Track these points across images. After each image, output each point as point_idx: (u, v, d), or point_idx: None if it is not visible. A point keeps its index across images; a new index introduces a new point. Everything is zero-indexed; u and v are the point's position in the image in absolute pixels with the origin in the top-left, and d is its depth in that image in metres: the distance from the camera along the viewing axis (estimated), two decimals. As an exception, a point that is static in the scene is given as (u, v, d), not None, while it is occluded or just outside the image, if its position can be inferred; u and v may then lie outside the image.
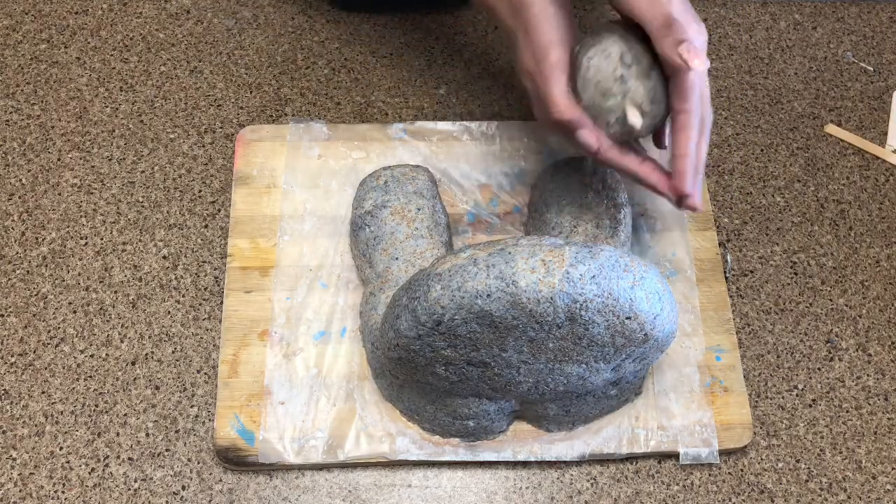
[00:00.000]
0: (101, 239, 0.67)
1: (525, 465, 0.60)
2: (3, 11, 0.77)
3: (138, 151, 0.71)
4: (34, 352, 0.62)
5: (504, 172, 0.69)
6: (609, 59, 0.53)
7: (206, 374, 0.62)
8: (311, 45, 0.77)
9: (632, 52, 0.53)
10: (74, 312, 0.64)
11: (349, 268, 0.65)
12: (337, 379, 0.61)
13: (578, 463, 0.60)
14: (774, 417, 0.62)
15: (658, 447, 0.60)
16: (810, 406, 0.63)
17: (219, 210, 0.68)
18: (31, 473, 0.58)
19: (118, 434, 0.60)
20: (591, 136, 0.54)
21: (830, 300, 0.67)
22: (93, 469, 0.59)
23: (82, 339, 0.63)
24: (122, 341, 0.63)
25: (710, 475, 0.60)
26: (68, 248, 0.66)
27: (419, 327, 0.50)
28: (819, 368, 0.65)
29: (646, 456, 0.60)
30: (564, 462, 0.60)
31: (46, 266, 0.65)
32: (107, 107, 0.73)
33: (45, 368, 0.62)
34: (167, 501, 0.58)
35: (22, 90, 0.73)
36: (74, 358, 0.62)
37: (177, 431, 0.60)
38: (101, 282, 0.65)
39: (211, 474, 0.59)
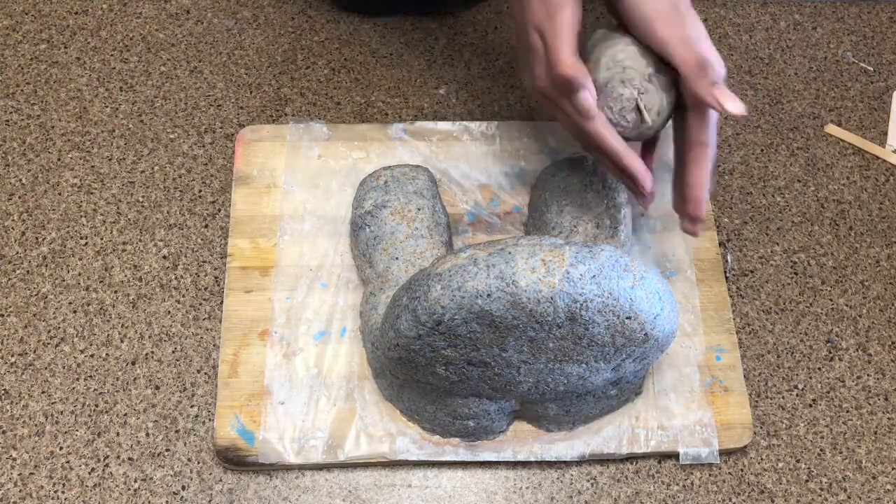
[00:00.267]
0: (101, 239, 0.67)
1: (525, 465, 0.60)
2: (3, 11, 0.77)
3: (138, 151, 0.71)
4: (34, 352, 0.62)
5: (504, 172, 0.69)
6: (645, 56, 0.54)
7: (206, 374, 0.62)
8: (311, 45, 0.77)
9: (658, 65, 0.55)
10: (74, 312, 0.64)
11: (349, 268, 0.65)
12: (337, 379, 0.61)
13: (578, 463, 0.60)
14: (774, 417, 0.62)
15: (658, 447, 0.60)
16: (810, 406, 0.63)
17: (219, 210, 0.68)
18: (31, 473, 0.58)
19: (118, 434, 0.60)
20: (590, 100, 0.53)
21: (830, 300, 0.67)
22: (93, 469, 0.59)
23: (82, 339, 0.63)
24: (122, 341, 0.63)
25: (710, 475, 0.60)
26: (68, 248, 0.66)
27: (419, 327, 0.50)
28: (819, 368, 0.65)
29: (646, 456, 0.60)
30: (564, 462, 0.60)
31: (46, 266, 0.65)
32: (107, 107, 0.73)
33: (45, 368, 0.62)
34: (167, 501, 0.58)
35: (22, 90, 0.73)
36: (74, 358, 0.62)
37: (177, 431, 0.60)
38: (101, 282, 0.65)
39: (211, 474, 0.59)
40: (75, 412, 0.60)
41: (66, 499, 0.58)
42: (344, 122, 0.73)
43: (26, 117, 0.72)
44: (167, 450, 0.59)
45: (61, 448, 0.59)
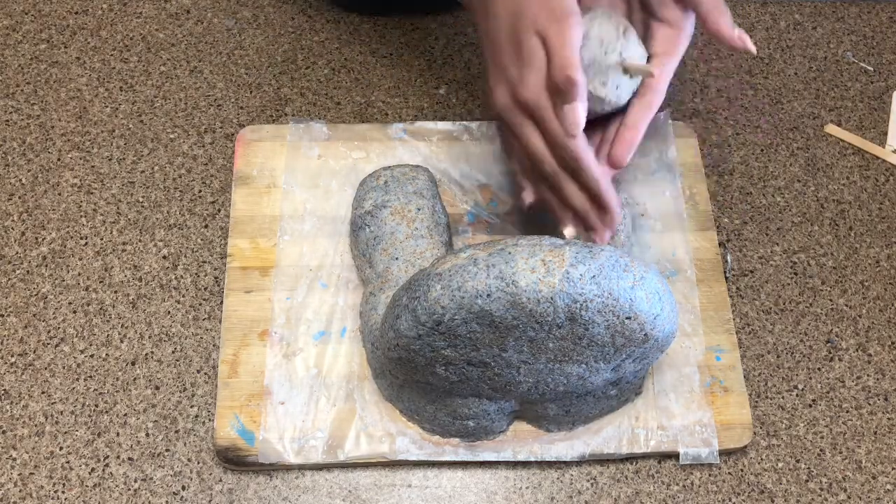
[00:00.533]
0: (101, 239, 0.67)
1: (525, 465, 0.60)
2: (3, 11, 0.77)
3: (138, 151, 0.71)
4: (34, 352, 0.62)
5: (504, 172, 0.69)
6: (611, 19, 0.54)
7: (206, 374, 0.62)
8: (311, 45, 0.77)
9: (624, 22, 0.55)
10: (74, 312, 0.64)
11: (349, 268, 0.65)
12: (337, 379, 0.61)
13: (578, 463, 0.60)
14: (774, 417, 0.62)
15: (658, 447, 0.60)
16: (810, 406, 0.63)
17: (219, 210, 0.68)
18: (31, 473, 0.58)
19: (118, 434, 0.60)
20: (582, 115, 0.51)
21: (830, 300, 0.67)
22: (93, 469, 0.59)
23: (82, 339, 0.63)
24: (122, 341, 0.63)
25: (710, 475, 0.60)
26: (68, 248, 0.66)
27: (419, 327, 0.50)
28: (819, 368, 0.65)
29: (646, 456, 0.60)
30: (564, 462, 0.60)
31: (46, 266, 0.65)
32: (107, 107, 0.73)
33: (45, 368, 0.62)
34: (167, 501, 0.58)
35: (22, 90, 0.73)
36: (74, 358, 0.62)
37: (177, 431, 0.60)
38: (101, 282, 0.65)
39: (211, 474, 0.59)
40: (75, 412, 0.60)
41: (66, 499, 0.58)
42: (344, 122, 0.73)
43: (26, 117, 0.72)
44: (167, 450, 0.59)
45: (61, 448, 0.59)
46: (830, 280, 0.68)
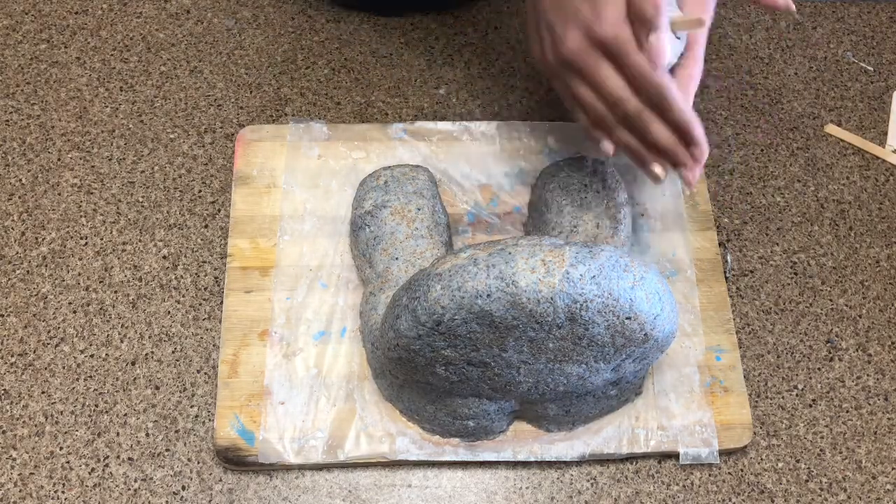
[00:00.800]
0: (101, 239, 0.67)
1: (525, 465, 0.60)
2: (3, 11, 0.77)
3: (138, 151, 0.71)
4: (34, 352, 0.62)
5: (504, 172, 0.69)
6: None
7: (206, 374, 0.62)
8: (311, 45, 0.77)
9: None
10: (74, 312, 0.64)
11: (349, 268, 0.65)
12: (337, 379, 0.61)
13: (578, 463, 0.60)
14: (774, 417, 0.62)
15: (658, 447, 0.60)
16: (810, 406, 0.63)
17: (219, 210, 0.68)
18: (31, 473, 0.58)
19: (118, 434, 0.60)
20: (666, 40, 0.49)
21: (830, 300, 0.67)
22: (93, 469, 0.59)
23: (82, 339, 0.63)
24: (122, 341, 0.63)
25: (710, 475, 0.60)
26: (68, 248, 0.66)
27: (419, 327, 0.50)
28: (819, 368, 0.65)
29: (646, 456, 0.60)
30: (564, 462, 0.60)
31: (46, 266, 0.65)
32: (107, 107, 0.73)
33: (45, 368, 0.62)
34: (167, 501, 0.58)
35: (22, 90, 0.73)
36: (74, 358, 0.62)
37: (177, 431, 0.60)
38: (101, 282, 0.65)
39: (211, 474, 0.59)
40: (75, 412, 0.60)
41: (66, 499, 0.58)
42: (344, 122, 0.73)
43: (26, 117, 0.72)
44: (167, 450, 0.59)
45: (61, 448, 0.59)
46: (830, 280, 0.68)
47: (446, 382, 0.54)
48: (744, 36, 0.80)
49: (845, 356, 0.65)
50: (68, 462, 0.59)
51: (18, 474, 0.58)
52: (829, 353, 0.65)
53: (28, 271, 0.65)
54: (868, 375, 0.64)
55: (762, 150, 0.74)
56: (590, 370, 0.53)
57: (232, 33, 0.77)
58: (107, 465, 0.59)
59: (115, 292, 0.65)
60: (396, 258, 0.60)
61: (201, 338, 0.63)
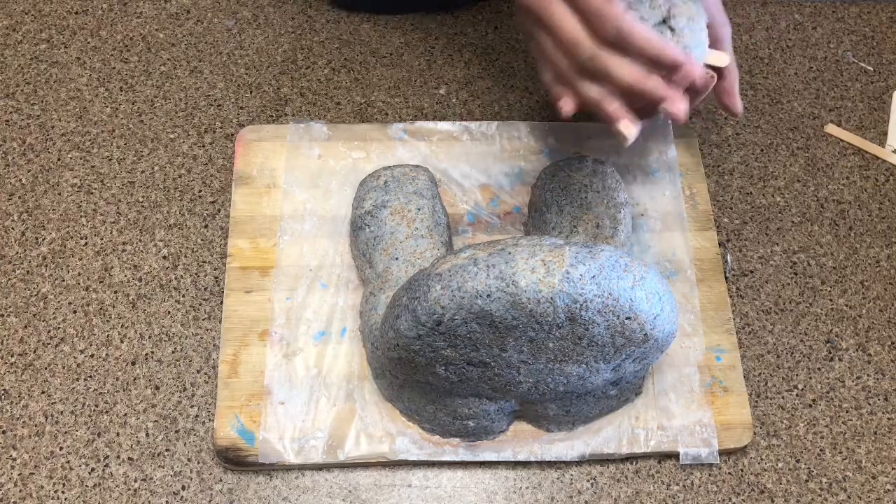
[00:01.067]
0: (101, 239, 0.67)
1: (525, 465, 0.60)
2: (3, 11, 0.77)
3: (138, 151, 0.71)
4: (34, 352, 0.62)
5: (504, 172, 0.69)
6: None
7: (206, 374, 0.62)
8: (311, 45, 0.77)
9: None
10: (74, 312, 0.64)
11: (349, 268, 0.65)
12: (337, 379, 0.61)
13: (578, 463, 0.60)
14: (774, 417, 0.62)
15: (658, 447, 0.60)
16: (810, 406, 0.63)
17: (219, 210, 0.68)
18: (31, 473, 0.58)
19: (118, 434, 0.60)
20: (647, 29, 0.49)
21: (830, 300, 0.67)
22: (93, 469, 0.59)
23: (82, 339, 0.63)
24: (122, 341, 0.63)
25: (710, 475, 0.60)
26: (68, 248, 0.66)
27: (419, 327, 0.50)
28: (819, 368, 0.65)
29: (646, 456, 0.60)
30: (564, 462, 0.60)
31: (46, 266, 0.65)
32: (107, 107, 0.73)
33: (45, 368, 0.62)
34: (167, 501, 0.58)
35: (22, 90, 0.73)
36: (74, 358, 0.62)
37: (177, 431, 0.60)
38: (101, 282, 0.65)
39: (211, 474, 0.59)
40: (75, 412, 0.60)
41: (66, 499, 0.58)
42: (344, 122, 0.73)
43: (26, 117, 0.72)
44: (167, 450, 0.59)
45: (61, 448, 0.59)
46: (830, 280, 0.68)
47: (446, 382, 0.54)
48: (744, 36, 0.80)
49: (845, 356, 0.65)
50: (68, 462, 0.59)
51: (18, 474, 0.58)
52: (829, 353, 0.65)
53: (28, 271, 0.65)
54: (868, 375, 0.64)
55: (762, 150, 0.74)
56: (590, 370, 0.53)
57: (232, 33, 0.77)
58: (107, 465, 0.59)
59: (115, 292, 0.65)
60: (396, 258, 0.60)
61: (201, 338, 0.63)
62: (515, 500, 0.59)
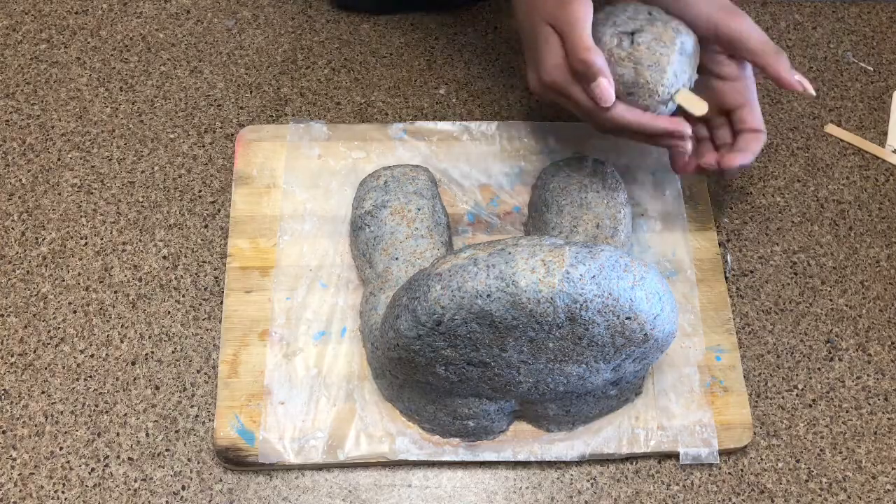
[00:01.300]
0: (101, 239, 0.67)
1: (525, 465, 0.60)
2: (3, 11, 0.77)
3: (138, 151, 0.71)
4: (34, 352, 0.62)
5: (504, 172, 0.69)
6: (667, 45, 0.56)
7: (206, 374, 0.62)
8: (311, 45, 0.77)
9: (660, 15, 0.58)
10: (74, 312, 0.64)
11: (349, 268, 0.65)
12: (337, 379, 0.61)
13: (578, 463, 0.60)
14: (774, 417, 0.62)
15: (658, 447, 0.60)
16: (810, 406, 0.63)
17: (219, 210, 0.68)
18: (31, 473, 0.58)
19: (118, 434, 0.60)
20: (608, 86, 0.54)
21: (830, 300, 0.67)
22: (93, 469, 0.59)
23: (82, 339, 0.63)
24: (122, 341, 0.63)
25: (710, 475, 0.60)
26: (68, 248, 0.66)
27: (419, 327, 0.50)
28: (819, 368, 0.65)
29: (646, 456, 0.60)
30: (564, 462, 0.60)
31: (46, 266, 0.65)
32: (107, 107, 0.73)
33: (45, 368, 0.62)
34: (167, 501, 0.58)
35: (22, 90, 0.73)
36: (74, 358, 0.62)
37: (177, 431, 0.60)
38: (101, 282, 0.65)
39: (211, 474, 0.59)
40: (75, 412, 0.60)
41: (66, 499, 0.58)
42: (344, 122, 0.73)
43: (26, 117, 0.72)
44: (167, 450, 0.59)
45: (61, 448, 0.59)
46: (830, 280, 0.68)
47: (446, 382, 0.54)
48: (744, 36, 0.80)
49: (845, 356, 0.65)
50: (68, 462, 0.59)
51: (18, 474, 0.58)
52: (829, 353, 0.65)
53: (28, 271, 0.65)
54: (868, 375, 0.64)
55: (762, 150, 0.74)
56: (590, 370, 0.53)
57: (232, 33, 0.77)
58: (107, 465, 0.59)
59: (115, 292, 0.65)
60: (396, 258, 0.60)
61: (201, 338, 0.63)
62: (515, 500, 0.59)
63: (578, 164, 0.65)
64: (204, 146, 0.71)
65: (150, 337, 0.63)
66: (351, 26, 0.78)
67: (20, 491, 0.58)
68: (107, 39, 0.76)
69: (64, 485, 0.58)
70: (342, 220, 0.66)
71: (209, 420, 0.60)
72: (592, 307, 0.48)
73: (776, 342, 0.65)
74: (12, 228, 0.67)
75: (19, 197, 0.68)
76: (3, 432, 0.59)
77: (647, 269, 0.50)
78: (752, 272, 0.68)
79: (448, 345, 0.51)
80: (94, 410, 0.60)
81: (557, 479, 0.60)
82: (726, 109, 0.60)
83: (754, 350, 0.65)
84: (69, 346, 0.63)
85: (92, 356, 0.62)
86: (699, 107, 0.57)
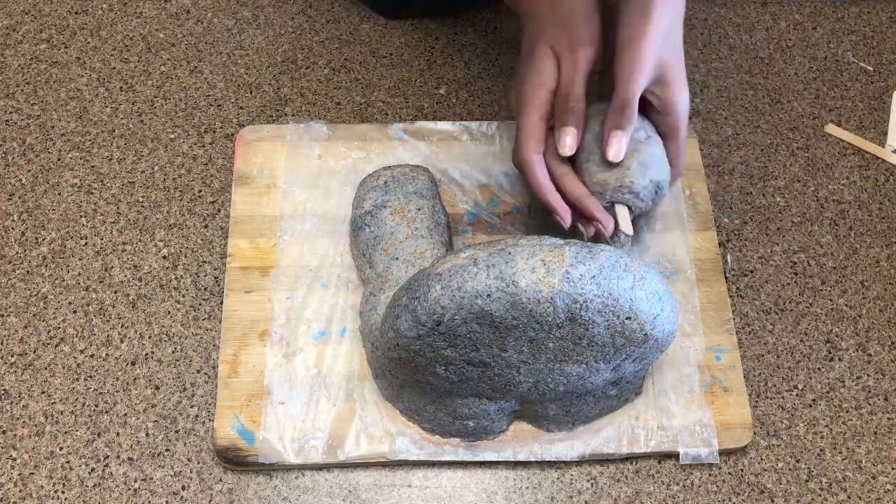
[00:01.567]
0: (101, 239, 0.67)
1: (525, 465, 0.60)
2: (3, 11, 0.77)
3: (138, 151, 0.71)
4: (34, 352, 0.62)
5: (504, 172, 0.69)
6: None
7: (206, 374, 0.62)
8: (311, 45, 0.77)
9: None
10: (74, 312, 0.64)
11: (349, 268, 0.65)
12: (337, 379, 0.61)
13: (578, 463, 0.60)
14: (774, 417, 0.62)
15: (658, 447, 0.60)
16: (810, 406, 0.63)
17: (219, 210, 0.68)
18: (31, 473, 0.58)
19: (118, 434, 0.60)
20: (573, 137, 0.57)
21: (830, 300, 0.67)
22: (93, 469, 0.59)
23: (82, 339, 0.63)
24: (122, 341, 0.63)
25: (710, 475, 0.60)
26: (68, 248, 0.66)
27: (419, 327, 0.50)
28: (819, 368, 0.65)
29: (646, 456, 0.60)
30: (564, 462, 0.60)
31: (46, 266, 0.65)
32: (107, 107, 0.73)
33: (45, 368, 0.62)
34: (167, 501, 0.58)
35: (22, 90, 0.73)
36: (74, 358, 0.62)
37: (177, 431, 0.60)
38: (101, 282, 0.65)
39: (211, 474, 0.59)
40: (75, 412, 0.60)
41: (66, 499, 0.58)
42: (344, 122, 0.73)
43: (26, 117, 0.72)
44: (167, 450, 0.59)
45: (61, 448, 0.59)
46: (830, 280, 0.68)
47: (446, 382, 0.54)
48: (744, 36, 0.80)
49: (845, 356, 0.65)
50: (68, 462, 0.59)
51: (18, 474, 0.58)
52: (829, 353, 0.65)
53: (28, 271, 0.65)
54: (868, 375, 0.64)
55: (762, 150, 0.74)
56: (590, 370, 0.53)
57: (232, 33, 0.77)
58: (107, 465, 0.59)
59: (115, 292, 0.65)
60: (396, 258, 0.60)
61: (201, 338, 0.63)
62: (515, 500, 0.59)
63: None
64: (204, 146, 0.71)
65: (150, 337, 0.63)
66: (351, 26, 0.78)
67: (20, 491, 0.58)
68: (107, 39, 0.77)
69: (64, 485, 0.58)
70: (342, 220, 0.66)
71: (209, 420, 0.60)
72: (592, 307, 0.48)
73: (776, 342, 0.65)
74: (12, 228, 0.67)
75: (19, 197, 0.68)
76: (3, 432, 0.59)
77: (647, 269, 0.50)
78: (752, 272, 0.68)
79: (448, 345, 0.51)
80: (94, 410, 0.60)
81: (557, 479, 0.60)
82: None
83: (754, 350, 0.65)
84: (69, 346, 0.63)
85: (92, 356, 0.62)
86: (628, 229, 0.57)
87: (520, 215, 0.68)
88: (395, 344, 0.52)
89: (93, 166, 0.70)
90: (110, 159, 0.70)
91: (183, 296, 0.65)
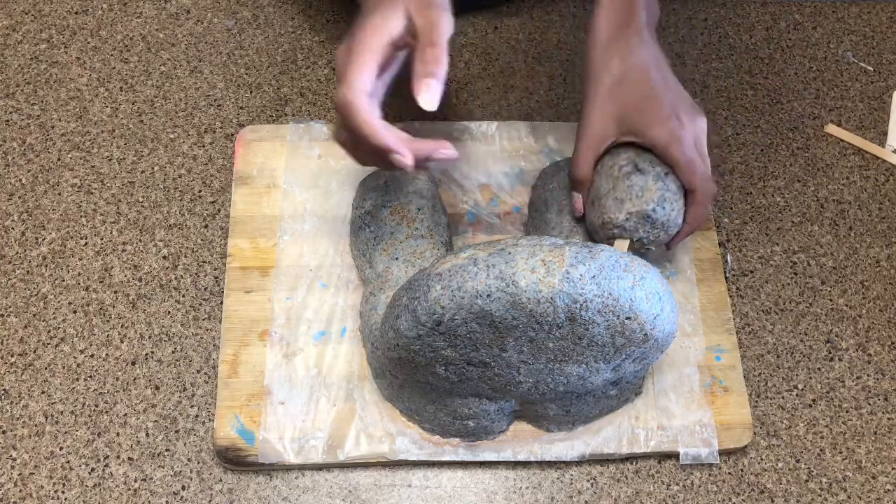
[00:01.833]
0: (101, 239, 0.67)
1: (525, 465, 0.60)
2: (3, 11, 0.77)
3: (138, 151, 0.71)
4: (34, 352, 0.62)
5: (504, 172, 0.69)
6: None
7: (206, 374, 0.62)
8: (311, 45, 0.77)
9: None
10: (74, 312, 0.64)
11: (349, 268, 0.65)
12: (337, 379, 0.61)
13: (578, 463, 0.60)
14: (774, 417, 0.62)
15: (658, 447, 0.60)
16: (810, 406, 0.63)
17: (219, 210, 0.68)
18: (31, 473, 0.58)
19: (118, 434, 0.60)
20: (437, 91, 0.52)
21: (830, 300, 0.67)
22: (93, 469, 0.59)
23: (82, 339, 0.63)
24: (122, 341, 0.63)
25: (710, 475, 0.60)
26: (68, 248, 0.66)
27: (419, 327, 0.50)
28: (819, 368, 0.65)
29: (646, 456, 0.60)
30: (564, 462, 0.60)
31: (46, 266, 0.65)
32: (107, 107, 0.73)
33: (45, 368, 0.62)
34: (167, 501, 0.58)
35: (22, 90, 0.73)
36: (74, 358, 0.62)
37: (177, 431, 0.60)
38: (101, 282, 0.65)
39: (211, 474, 0.59)
40: (75, 412, 0.60)
41: (66, 499, 0.58)
42: (344, 122, 0.73)
43: (26, 117, 0.72)
44: (167, 450, 0.59)
45: (61, 448, 0.59)
46: (830, 280, 0.68)
47: (446, 382, 0.54)
48: (744, 36, 0.80)
49: (845, 356, 0.65)
50: (68, 462, 0.59)
51: (18, 474, 0.58)
52: (829, 353, 0.65)
53: (28, 271, 0.65)
54: (868, 375, 0.64)
55: (762, 150, 0.74)
56: (590, 370, 0.53)
57: (232, 33, 0.77)
58: (107, 465, 0.59)
59: (115, 292, 0.65)
60: (396, 258, 0.60)
61: (201, 338, 0.63)
62: (515, 500, 0.59)
63: (578, 164, 0.65)
64: (204, 146, 0.71)
65: (150, 337, 0.63)
66: (351, 26, 0.78)
67: (20, 491, 0.58)
68: (107, 39, 0.76)
69: (64, 485, 0.58)
70: (342, 220, 0.66)
71: (209, 420, 0.60)
72: (592, 307, 0.48)
73: (776, 342, 0.65)
74: (12, 228, 0.67)
75: (19, 197, 0.68)
76: (3, 432, 0.59)
77: (647, 269, 0.50)
78: (752, 272, 0.68)
79: (448, 345, 0.51)
80: (94, 410, 0.60)
81: (557, 479, 0.60)
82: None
83: (754, 350, 0.65)
84: (69, 346, 0.63)
85: (92, 356, 0.62)
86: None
87: (520, 215, 0.68)
88: (395, 344, 0.52)
89: (93, 166, 0.70)
90: (110, 159, 0.70)
91: (183, 296, 0.65)
